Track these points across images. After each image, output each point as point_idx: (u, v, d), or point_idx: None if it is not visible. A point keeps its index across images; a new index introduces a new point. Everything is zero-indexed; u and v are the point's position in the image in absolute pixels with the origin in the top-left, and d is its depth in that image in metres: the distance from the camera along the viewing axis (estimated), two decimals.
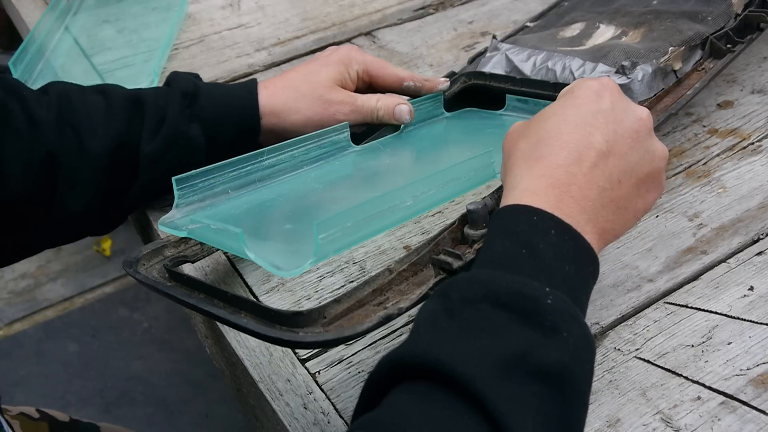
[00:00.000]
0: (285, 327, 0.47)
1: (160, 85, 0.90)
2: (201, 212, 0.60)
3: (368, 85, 0.74)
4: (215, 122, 0.69)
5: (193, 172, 0.60)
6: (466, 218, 0.53)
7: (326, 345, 0.47)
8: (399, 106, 0.71)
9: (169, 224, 0.59)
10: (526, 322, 0.40)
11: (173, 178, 0.59)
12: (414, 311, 0.49)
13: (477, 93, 0.76)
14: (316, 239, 0.48)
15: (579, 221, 0.46)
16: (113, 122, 0.67)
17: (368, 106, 0.71)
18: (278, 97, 0.70)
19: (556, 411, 0.38)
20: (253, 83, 0.71)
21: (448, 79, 0.75)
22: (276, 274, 0.51)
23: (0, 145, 0.63)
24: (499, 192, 0.54)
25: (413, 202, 0.54)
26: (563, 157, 0.48)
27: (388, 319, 0.47)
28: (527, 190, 0.47)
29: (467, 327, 0.40)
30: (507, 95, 0.73)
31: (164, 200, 0.73)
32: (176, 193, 0.60)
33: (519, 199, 0.47)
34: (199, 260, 0.63)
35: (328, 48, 0.75)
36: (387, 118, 0.71)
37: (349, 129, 0.69)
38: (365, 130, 0.72)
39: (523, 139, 0.51)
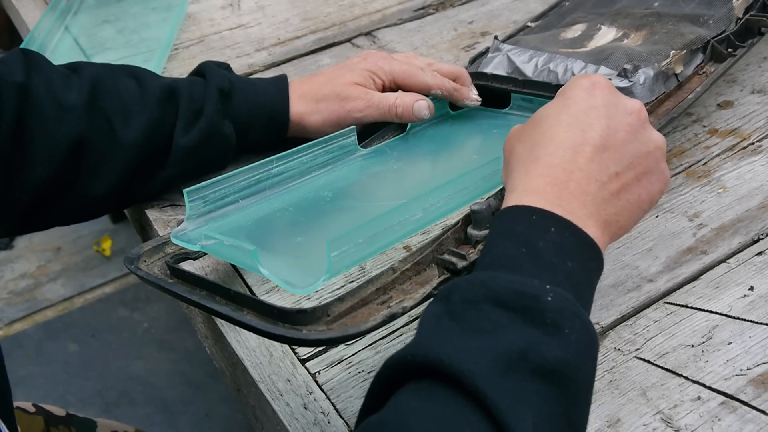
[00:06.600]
0: (288, 324, 0.47)
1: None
2: (213, 223, 0.61)
3: (396, 89, 0.74)
4: (247, 121, 0.71)
5: (204, 183, 0.60)
6: (470, 218, 0.53)
7: (330, 343, 0.47)
8: (418, 102, 0.71)
9: (182, 237, 0.59)
10: (526, 320, 0.40)
11: (184, 191, 0.59)
12: (416, 310, 0.49)
13: (479, 92, 0.76)
14: (329, 257, 0.49)
15: (580, 216, 0.46)
16: (147, 111, 0.67)
17: (386, 103, 0.71)
18: (305, 99, 0.72)
19: (558, 407, 0.38)
20: (284, 85, 0.73)
21: (479, 98, 0.74)
22: (289, 291, 0.51)
23: (24, 130, 0.63)
24: (502, 192, 0.54)
25: (423, 215, 0.55)
26: (559, 155, 0.48)
27: (392, 317, 0.47)
28: (526, 191, 0.48)
29: (468, 327, 0.40)
30: (512, 94, 0.73)
31: (163, 200, 0.73)
32: (188, 205, 0.60)
33: (518, 200, 0.47)
34: (200, 257, 0.63)
35: (362, 53, 0.75)
36: (407, 116, 0.71)
37: (356, 133, 0.69)
38: (370, 129, 0.72)
39: (520, 143, 0.51)
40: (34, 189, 0.64)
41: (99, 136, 0.65)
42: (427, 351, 0.39)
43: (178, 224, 0.65)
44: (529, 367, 0.38)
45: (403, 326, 0.61)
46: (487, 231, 0.51)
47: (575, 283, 0.44)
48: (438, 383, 0.38)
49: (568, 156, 0.48)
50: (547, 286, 0.41)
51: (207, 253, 0.63)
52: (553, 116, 0.50)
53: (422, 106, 0.71)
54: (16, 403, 0.82)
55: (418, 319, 0.44)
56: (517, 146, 0.51)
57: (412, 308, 0.48)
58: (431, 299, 0.50)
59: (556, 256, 0.44)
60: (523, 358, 0.38)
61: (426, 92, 0.73)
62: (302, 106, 0.72)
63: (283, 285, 0.51)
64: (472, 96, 0.74)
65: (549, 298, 0.41)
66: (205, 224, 0.60)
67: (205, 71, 0.72)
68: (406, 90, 0.73)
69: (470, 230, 0.52)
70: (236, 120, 0.71)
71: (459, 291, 0.42)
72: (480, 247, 0.51)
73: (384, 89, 0.73)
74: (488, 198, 0.54)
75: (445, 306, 0.42)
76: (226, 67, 0.75)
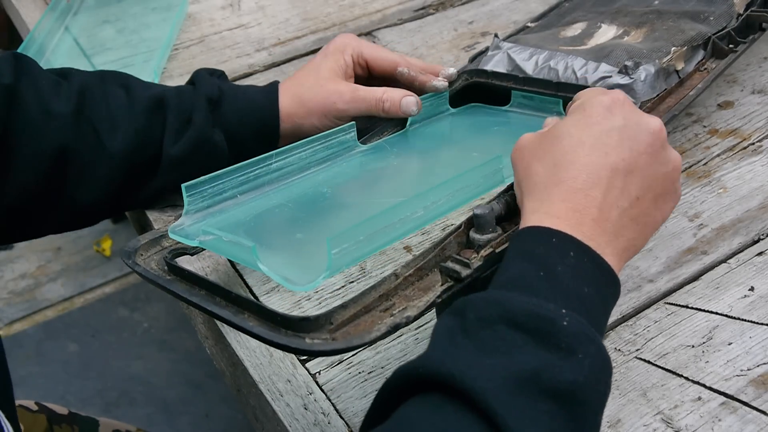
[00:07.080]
0: (291, 332, 0.47)
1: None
2: (211, 218, 0.60)
3: (366, 71, 0.74)
4: (237, 129, 0.70)
5: (203, 178, 0.60)
6: (472, 222, 0.52)
7: (334, 354, 0.46)
8: (406, 97, 0.70)
9: (180, 232, 0.59)
10: (541, 342, 0.40)
11: (183, 185, 0.59)
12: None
13: (479, 90, 0.76)
14: (329, 254, 0.48)
15: (600, 243, 0.46)
16: (134, 122, 0.67)
17: (373, 97, 0.70)
18: (293, 100, 0.71)
19: (567, 429, 0.38)
20: (275, 90, 0.72)
21: (446, 81, 0.74)
22: (289, 288, 0.51)
23: (8, 134, 0.63)
24: (505, 196, 0.54)
25: (424, 212, 0.54)
26: (582, 180, 0.48)
27: (396, 328, 0.47)
28: (548, 213, 0.47)
29: (482, 346, 0.40)
30: (512, 91, 0.73)
31: (164, 201, 0.73)
32: (186, 199, 0.59)
33: (539, 222, 0.47)
34: (197, 253, 0.62)
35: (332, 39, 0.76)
36: (393, 111, 0.70)
37: (355, 129, 0.69)
38: (369, 126, 0.72)
39: (538, 161, 0.50)
40: (19, 193, 0.64)
41: (85, 146, 0.65)
42: (438, 365, 0.39)
43: None
44: (541, 387, 0.38)
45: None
46: (490, 235, 0.51)
47: (589, 308, 0.44)
48: (447, 398, 0.38)
49: (591, 181, 0.47)
50: (563, 311, 0.41)
51: (205, 249, 0.63)
52: (575, 135, 0.50)
53: (410, 101, 0.70)
54: (18, 402, 0.82)
55: (422, 322, 0.44)
56: (534, 164, 0.50)
57: (415, 318, 0.48)
58: (439, 308, 0.50)
59: (573, 280, 0.44)
60: (535, 379, 0.38)
61: (393, 67, 0.73)
62: (292, 107, 0.71)
63: (283, 282, 0.51)
64: (438, 79, 0.73)
65: (564, 323, 0.41)
66: (203, 219, 0.60)
67: (195, 80, 0.71)
68: (374, 66, 0.73)
69: (472, 234, 0.52)
70: (226, 128, 0.70)
71: (474, 308, 0.42)
72: (483, 252, 0.51)
73: (355, 66, 0.73)
74: (491, 202, 0.54)
75: (459, 322, 0.42)
76: (219, 75, 0.74)
